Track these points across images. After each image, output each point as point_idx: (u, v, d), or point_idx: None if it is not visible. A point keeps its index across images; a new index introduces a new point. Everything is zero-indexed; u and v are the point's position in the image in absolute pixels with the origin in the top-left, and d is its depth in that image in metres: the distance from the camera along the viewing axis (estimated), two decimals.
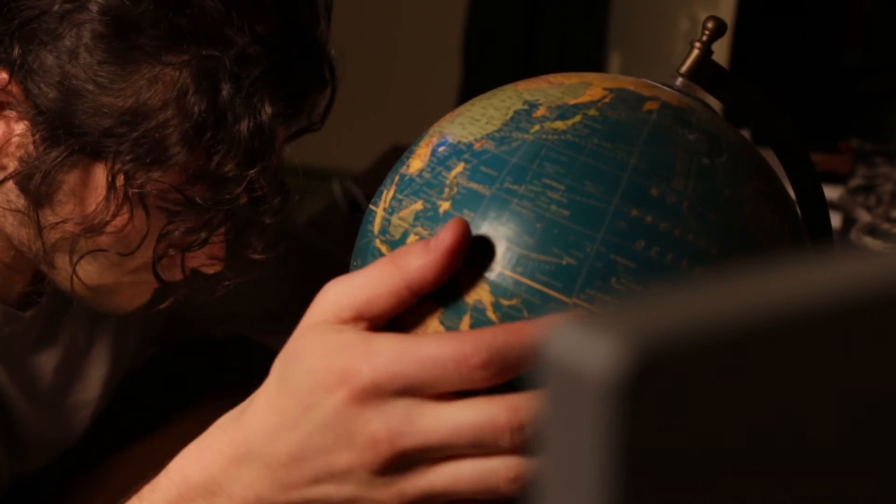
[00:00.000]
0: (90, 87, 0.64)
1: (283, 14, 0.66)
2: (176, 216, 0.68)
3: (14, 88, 0.65)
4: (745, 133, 0.59)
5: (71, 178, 0.66)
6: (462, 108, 0.55)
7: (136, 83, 0.64)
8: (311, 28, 0.69)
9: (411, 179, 0.52)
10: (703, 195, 0.49)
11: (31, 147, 0.66)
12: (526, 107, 0.52)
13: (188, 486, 0.52)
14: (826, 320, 0.27)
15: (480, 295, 0.48)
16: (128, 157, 0.65)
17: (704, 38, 0.59)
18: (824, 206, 0.65)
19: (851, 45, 2.57)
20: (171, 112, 0.64)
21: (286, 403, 0.49)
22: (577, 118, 0.51)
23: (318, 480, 0.49)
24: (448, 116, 0.55)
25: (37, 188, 0.66)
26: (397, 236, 0.51)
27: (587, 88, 0.53)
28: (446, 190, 0.50)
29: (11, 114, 0.66)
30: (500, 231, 0.48)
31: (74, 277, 0.70)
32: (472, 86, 2.69)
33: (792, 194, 0.61)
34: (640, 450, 0.25)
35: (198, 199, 0.67)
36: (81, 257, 0.69)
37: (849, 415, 0.28)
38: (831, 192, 1.29)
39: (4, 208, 0.69)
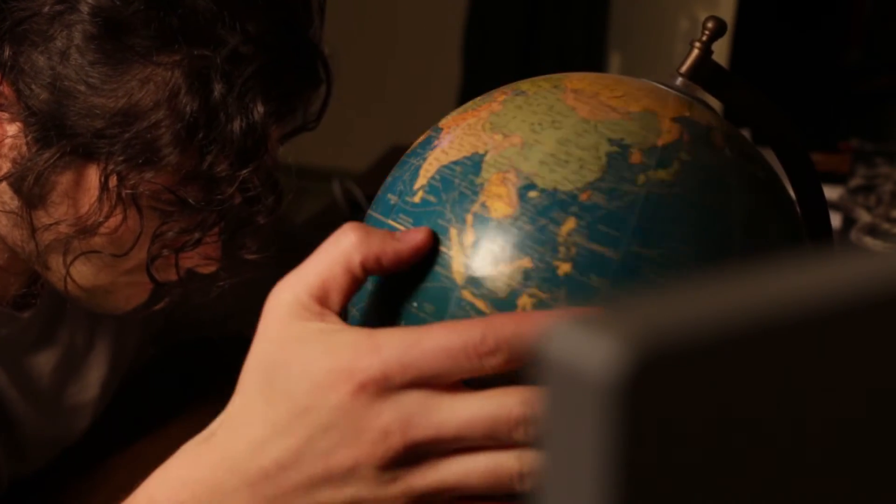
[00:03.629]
0: (82, 88, 0.64)
1: (275, 13, 0.66)
2: (169, 217, 0.68)
3: (6, 90, 0.65)
4: (745, 133, 0.59)
5: (64, 180, 0.66)
6: (526, 138, 0.51)
7: (127, 84, 0.64)
8: (303, 26, 0.69)
9: (501, 226, 0.49)
10: (785, 229, 0.52)
11: (24, 148, 0.66)
12: (616, 149, 0.50)
13: None
14: (826, 320, 0.27)
15: None
16: (120, 158, 0.65)
17: (704, 37, 0.59)
18: (824, 207, 0.64)
19: (851, 46, 2.57)
20: (163, 112, 0.64)
21: (277, 412, 0.46)
22: (677, 166, 0.50)
23: (311, 487, 0.46)
24: (506, 143, 0.51)
25: (29, 189, 0.66)
26: (503, 295, 0.48)
27: (657, 121, 0.52)
28: (561, 249, 0.47)
29: (4, 115, 0.66)
30: None
31: (68, 278, 0.70)
32: (472, 86, 2.69)
33: (792, 194, 0.61)
34: (640, 450, 0.25)
35: (191, 200, 0.67)
36: (75, 258, 0.69)
37: (849, 415, 0.28)
38: (831, 192, 1.29)
39: None
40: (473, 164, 0.51)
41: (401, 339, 0.45)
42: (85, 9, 0.63)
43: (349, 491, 0.46)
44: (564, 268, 0.47)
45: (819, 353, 0.27)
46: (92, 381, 0.85)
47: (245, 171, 0.66)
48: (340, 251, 0.47)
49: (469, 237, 0.49)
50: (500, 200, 0.49)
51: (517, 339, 0.44)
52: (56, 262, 0.70)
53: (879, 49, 2.56)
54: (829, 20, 2.54)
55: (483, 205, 0.49)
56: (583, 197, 0.48)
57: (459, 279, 0.48)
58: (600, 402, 0.24)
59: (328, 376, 0.45)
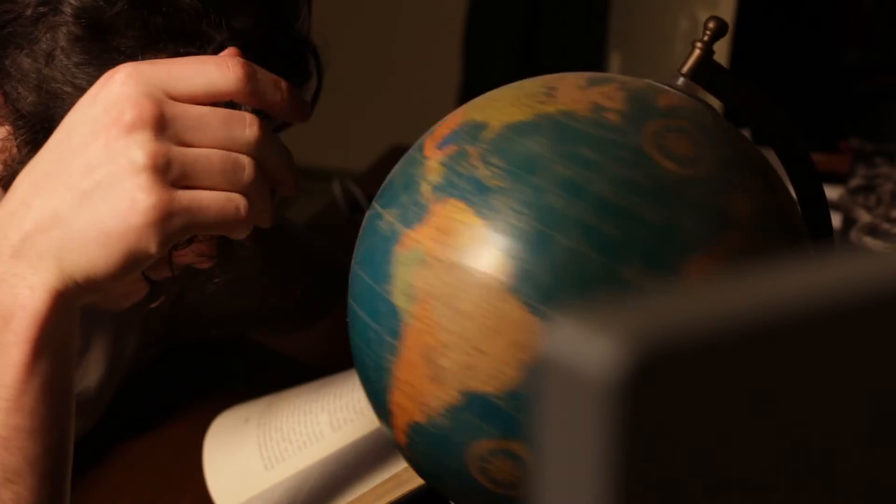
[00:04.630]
0: (68, 89, 0.64)
1: (260, 8, 0.66)
2: None
3: None
4: (746, 133, 0.59)
5: None
6: None
7: None
8: (290, 20, 0.69)
9: None
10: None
11: (14, 151, 0.66)
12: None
13: None
14: (826, 320, 0.27)
15: None
16: None
17: (706, 38, 0.59)
18: (825, 206, 0.64)
19: (851, 45, 2.57)
20: None
21: (58, 134, 0.57)
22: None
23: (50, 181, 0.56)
24: None
25: None
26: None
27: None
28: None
29: None
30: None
31: None
32: (473, 86, 2.69)
33: (793, 194, 0.61)
34: (640, 450, 0.25)
35: None
36: None
37: (849, 414, 0.28)
38: (831, 192, 1.29)
39: None
40: None
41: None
42: (68, 10, 0.63)
43: (87, 159, 0.56)
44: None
45: (819, 354, 0.27)
46: (90, 383, 0.85)
47: None
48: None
49: None
50: None
51: (253, 69, 0.58)
52: None
53: (879, 49, 2.56)
54: (829, 20, 2.55)
55: None
56: None
57: None
58: (600, 402, 0.24)
59: (104, 80, 0.57)
